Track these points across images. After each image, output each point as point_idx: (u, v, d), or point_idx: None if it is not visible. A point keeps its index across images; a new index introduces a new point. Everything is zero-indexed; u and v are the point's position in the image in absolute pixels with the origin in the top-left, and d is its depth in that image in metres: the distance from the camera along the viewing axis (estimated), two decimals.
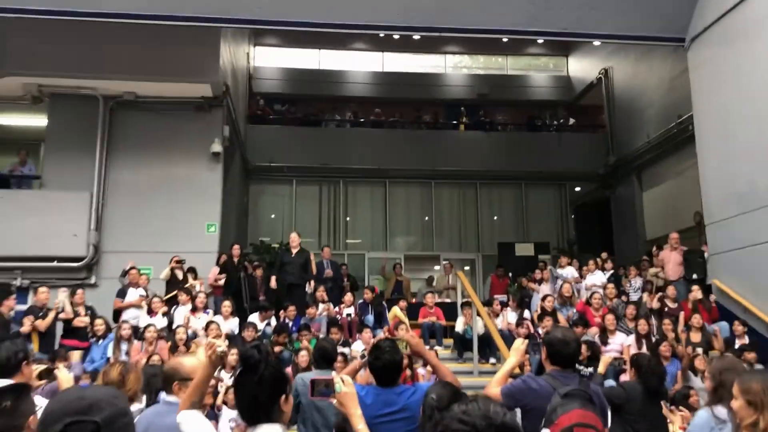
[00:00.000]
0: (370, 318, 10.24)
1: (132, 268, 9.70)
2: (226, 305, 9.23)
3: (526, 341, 3.61)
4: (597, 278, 10.66)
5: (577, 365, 6.23)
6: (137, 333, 8.46)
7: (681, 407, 4.16)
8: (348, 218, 17.18)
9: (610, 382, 6.67)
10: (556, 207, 17.91)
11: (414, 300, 12.40)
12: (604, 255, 11.50)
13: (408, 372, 7.37)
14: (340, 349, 7.55)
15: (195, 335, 8.50)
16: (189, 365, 3.09)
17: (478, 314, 9.20)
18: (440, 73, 19.81)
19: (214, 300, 10.13)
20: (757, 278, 8.87)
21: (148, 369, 5.37)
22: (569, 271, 11.03)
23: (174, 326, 8.64)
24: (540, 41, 18.35)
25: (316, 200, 17.08)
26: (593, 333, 8.71)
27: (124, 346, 8.06)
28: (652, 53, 14.37)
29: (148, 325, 8.36)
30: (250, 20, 10.08)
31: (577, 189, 17.97)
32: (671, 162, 13.84)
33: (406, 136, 17.31)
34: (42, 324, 8.38)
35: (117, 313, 9.36)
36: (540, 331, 8.80)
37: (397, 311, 8.08)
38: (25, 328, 8.21)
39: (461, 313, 9.81)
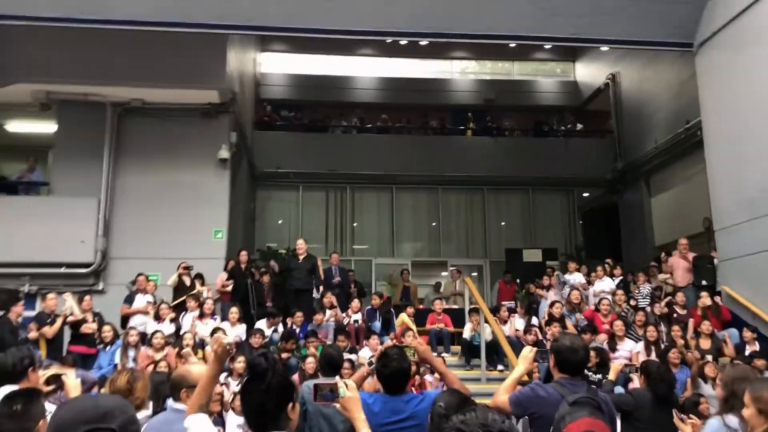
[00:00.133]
0: (377, 324, 10.22)
1: (140, 274, 9.72)
2: (234, 311, 9.23)
3: (534, 349, 3.57)
4: (605, 284, 10.61)
5: (586, 372, 6.20)
6: (145, 339, 8.47)
7: (691, 415, 4.12)
8: (355, 224, 17.18)
9: (618, 389, 6.63)
10: (564, 213, 17.86)
11: (421, 306, 12.37)
12: (609, 261, 11.43)
13: (417, 379, 7.35)
14: (347, 356, 7.53)
15: (202, 343, 8.50)
16: (197, 372, 3.09)
17: (486, 321, 9.16)
18: (447, 78, 19.82)
19: (221, 306, 10.13)
20: (767, 284, 8.80)
21: (155, 376, 5.36)
22: (577, 277, 10.97)
23: (181, 332, 8.64)
24: (547, 47, 18.34)
25: (322, 206, 17.09)
26: (602, 340, 8.66)
27: (131, 353, 8.06)
28: (659, 58, 14.32)
29: (156, 332, 8.37)
30: (257, 27, 10.11)
31: (585, 194, 17.90)
32: (679, 167, 13.78)
33: (413, 141, 17.31)
34: (49, 331, 8.40)
35: (124, 320, 9.37)
36: (548, 337, 8.76)
37: (404, 318, 8.07)
38: (32, 334, 8.24)
39: (469, 319, 9.77)
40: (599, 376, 7.09)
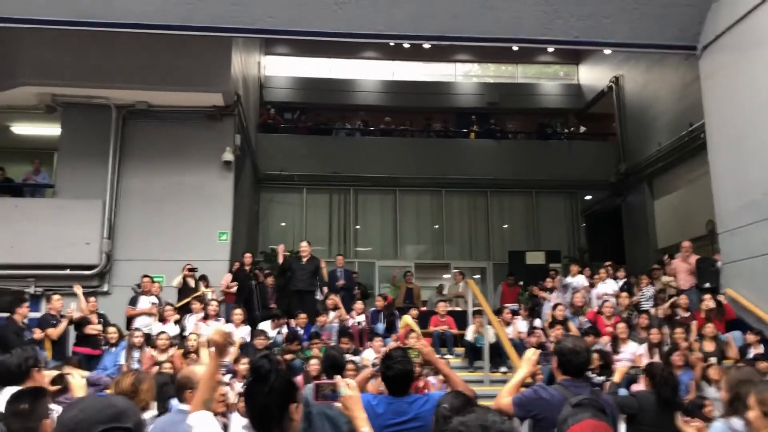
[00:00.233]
0: (380, 326, 10.23)
1: (145, 276, 9.75)
2: (238, 313, 9.25)
3: (538, 351, 3.58)
4: (608, 287, 10.60)
5: (589, 374, 6.20)
6: (149, 341, 8.49)
7: (695, 417, 4.13)
8: (358, 226, 17.20)
9: (622, 391, 6.63)
10: (567, 215, 17.85)
11: (424, 308, 12.38)
12: (608, 264, 11.38)
13: (422, 382, 7.35)
14: (350, 357, 7.54)
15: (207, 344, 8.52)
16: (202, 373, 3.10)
17: (489, 323, 9.17)
18: (450, 81, 19.85)
19: (225, 308, 10.16)
20: None
21: (159, 378, 5.38)
22: (579, 280, 10.96)
23: (185, 334, 8.66)
24: (550, 49, 18.33)
25: (326, 209, 17.11)
26: (604, 342, 8.66)
27: (136, 354, 8.08)
28: (663, 61, 14.32)
29: (160, 333, 8.39)
30: (261, 30, 10.12)
31: (588, 197, 17.88)
32: (683, 170, 13.77)
33: (417, 144, 17.34)
34: (54, 332, 8.44)
35: (129, 321, 9.40)
36: (551, 340, 8.76)
37: (408, 320, 8.07)
38: (37, 335, 8.28)
39: (472, 321, 9.78)
40: (602, 378, 7.09)
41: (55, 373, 4.51)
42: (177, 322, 9.18)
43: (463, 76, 20.17)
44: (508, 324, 9.82)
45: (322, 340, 8.84)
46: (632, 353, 8.36)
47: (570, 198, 17.87)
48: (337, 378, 2.61)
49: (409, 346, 3.77)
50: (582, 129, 19.02)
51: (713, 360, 7.80)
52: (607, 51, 15.71)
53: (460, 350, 10.02)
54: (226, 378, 6.99)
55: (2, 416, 2.72)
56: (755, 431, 2.77)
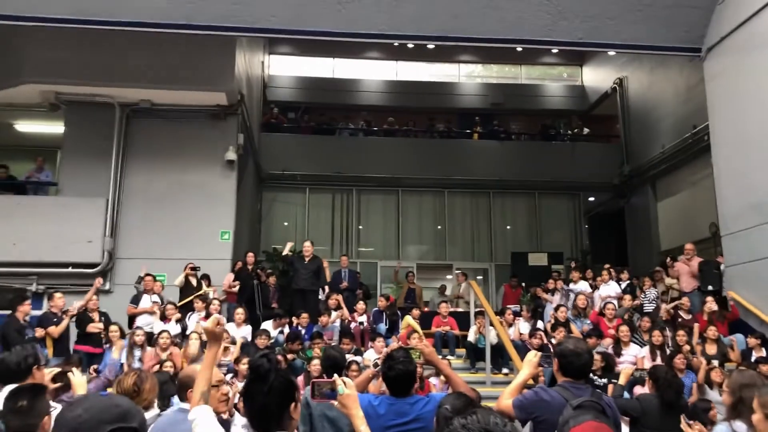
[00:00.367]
0: (382, 327, 10.22)
1: (147, 275, 9.75)
2: (239, 312, 9.25)
3: (539, 353, 3.56)
4: (611, 289, 10.57)
5: (591, 376, 6.18)
6: (151, 339, 8.48)
7: (698, 421, 4.10)
8: (360, 227, 17.18)
9: (624, 394, 6.60)
10: (570, 217, 17.82)
11: (426, 309, 12.37)
12: (608, 266, 11.32)
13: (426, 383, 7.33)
14: (351, 357, 7.53)
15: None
16: None
17: (491, 324, 9.15)
18: (454, 82, 19.83)
19: (227, 307, 10.16)
20: None
21: (159, 376, 5.37)
22: (582, 286, 10.90)
23: (187, 333, 8.66)
24: (554, 51, 18.34)
25: (329, 208, 17.10)
26: (607, 344, 8.64)
27: (137, 353, 8.08)
28: (667, 63, 14.30)
29: (162, 332, 8.39)
30: (265, 29, 10.12)
31: (591, 199, 17.86)
32: (686, 172, 13.75)
33: (420, 144, 17.31)
34: (55, 330, 8.45)
35: (131, 320, 9.40)
36: (553, 341, 8.74)
37: (410, 320, 8.06)
38: (39, 333, 8.29)
39: (474, 322, 9.76)
40: (605, 380, 7.07)
41: (56, 370, 4.50)
42: (179, 320, 9.18)
43: (467, 76, 20.15)
44: (510, 325, 9.80)
45: (324, 340, 8.83)
46: (634, 356, 8.34)
47: (573, 199, 17.83)
48: (335, 376, 2.60)
49: (411, 346, 3.75)
50: (585, 130, 18.99)
51: (715, 363, 7.78)
52: (612, 52, 15.69)
53: (462, 351, 10.01)
54: (228, 377, 6.98)
55: (1, 413, 2.71)
56: None
